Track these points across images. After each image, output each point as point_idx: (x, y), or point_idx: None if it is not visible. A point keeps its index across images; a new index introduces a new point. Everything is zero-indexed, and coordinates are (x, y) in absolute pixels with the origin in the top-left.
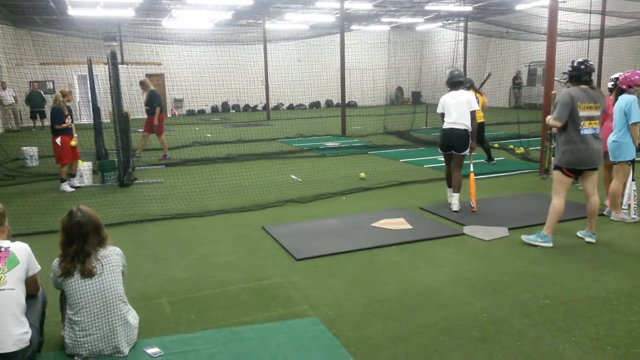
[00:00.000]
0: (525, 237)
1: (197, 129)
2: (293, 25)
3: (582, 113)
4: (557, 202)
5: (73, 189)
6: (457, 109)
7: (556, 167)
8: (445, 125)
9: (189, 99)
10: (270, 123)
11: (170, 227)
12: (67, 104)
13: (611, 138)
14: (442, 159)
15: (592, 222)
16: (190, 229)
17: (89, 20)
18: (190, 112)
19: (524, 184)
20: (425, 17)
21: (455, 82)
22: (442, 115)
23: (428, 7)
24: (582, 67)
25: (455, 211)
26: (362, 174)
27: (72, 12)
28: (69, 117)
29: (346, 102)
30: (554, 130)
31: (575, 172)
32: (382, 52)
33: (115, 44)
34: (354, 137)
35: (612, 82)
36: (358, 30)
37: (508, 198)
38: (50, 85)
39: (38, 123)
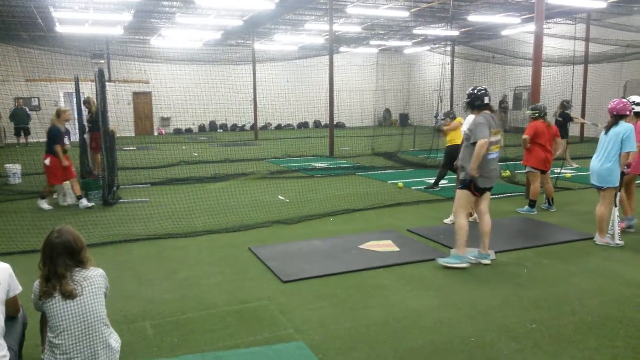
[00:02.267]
0: (440, 260)
1: (184, 147)
2: (282, 46)
3: (492, 138)
4: (464, 221)
5: (51, 207)
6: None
7: (464, 187)
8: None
9: (176, 117)
10: (258, 143)
11: (155, 247)
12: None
13: (604, 163)
14: (430, 181)
15: (486, 241)
16: (176, 249)
17: (76, 38)
18: (177, 131)
19: (509, 207)
20: (413, 41)
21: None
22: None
23: (416, 31)
24: (480, 93)
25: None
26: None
27: (59, 29)
28: (67, 137)
29: (334, 123)
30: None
31: (479, 191)
32: (370, 74)
33: (102, 61)
34: (342, 158)
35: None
36: (346, 52)
37: (495, 221)
38: (35, 102)
39: (22, 140)
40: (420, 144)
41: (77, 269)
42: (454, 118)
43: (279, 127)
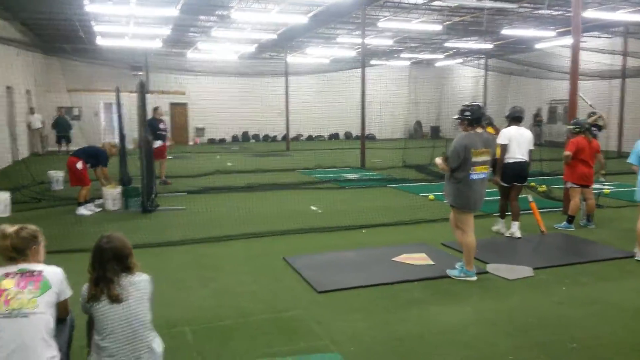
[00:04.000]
0: (449, 272)
1: (218, 157)
2: (314, 59)
3: (474, 159)
4: (470, 239)
5: (92, 213)
6: (522, 145)
7: (459, 209)
8: (512, 159)
9: (210, 128)
10: (290, 154)
11: (191, 254)
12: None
13: None
14: None
15: (469, 258)
16: (212, 256)
17: (116, 50)
18: (212, 141)
19: (546, 222)
20: (445, 54)
21: (518, 117)
22: (504, 146)
23: (448, 44)
24: (476, 109)
25: (518, 237)
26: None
27: (100, 41)
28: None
29: (365, 134)
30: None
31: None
32: (401, 87)
33: (141, 73)
34: (374, 169)
35: None
36: (378, 65)
37: (532, 237)
38: (76, 112)
39: (63, 147)
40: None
41: (124, 274)
42: (489, 124)
43: (310, 138)
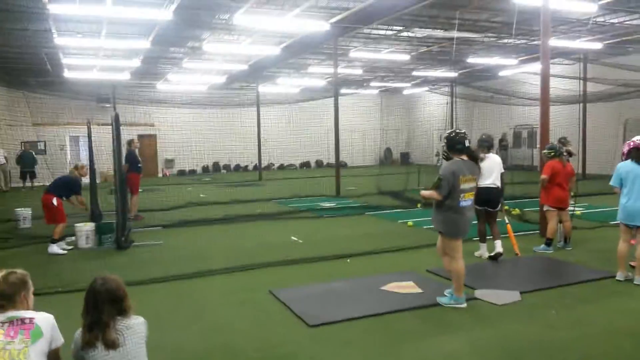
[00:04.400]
0: (439, 300)
1: (189, 189)
2: (285, 89)
3: (462, 186)
4: (459, 266)
5: (65, 252)
6: (494, 170)
7: (450, 237)
8: (481, 185)
9: (180, 159)
10: (263, 183)
11: (174, 291)
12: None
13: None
14: None
15: (459, 285)
16: (195, 293)
17: (83, 82)
18: (182, 172)
19: (524, 245)
20: (413, 82)
21: (488, 146)
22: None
23: (416, 73)
24: (457, 136)
25: (500, 253)
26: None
27: (68, 74)
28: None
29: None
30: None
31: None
32: (371, 114)
33: (108, 105)
34: (350, 197)
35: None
36: (348, 93)
37: (514, 260)
38: (41, 146)
39: (28, 183)
40: (425, 182)
41: (119, 317)
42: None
43: (281, 167)
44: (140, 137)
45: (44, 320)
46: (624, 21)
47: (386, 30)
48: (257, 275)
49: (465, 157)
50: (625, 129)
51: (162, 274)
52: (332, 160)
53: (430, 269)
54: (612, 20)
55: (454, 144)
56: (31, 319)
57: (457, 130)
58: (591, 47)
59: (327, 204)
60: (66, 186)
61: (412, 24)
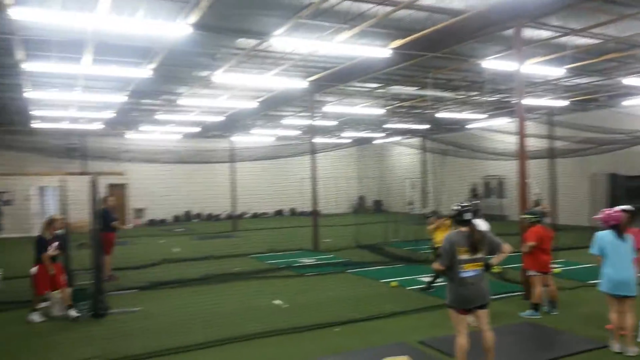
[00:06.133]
0: None
1: (161, 242)
2: (259, 138)
3: (461, 257)
4: (460, 342)
5: (41, 320)
6: None
7: (448, 307)
8: None
9: (150, 208)
10: (237, 234)
11: None
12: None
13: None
14: (425, 279)
15: (489, 357)
16: None
17: (52, 132)
18: (152, 222)
19: (509, 309)
20: (385, 133)
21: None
22: None
23: (387, 125)
24: (461, 209)
25: None
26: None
27: (36, 124)
28: (58, 244)
29: (310, 209)
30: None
31: (466, 310)
32: (343, 163)
33: (77, 153)
34: (328, 251)
35: None
36: (321, 142)
37: (502, 327)
38: (7, 197)
39: None
40: (403, 234)
41: None
42: (439, 218)
43: (255, 215)
44: (111, 186)
45: None
46: (591, 82)
47: (360, 88)
48: (243, 349)
49: (465, 229)
50: (590, 182)
51: (142, 349)
52: (306, 209)
53: (423, 340)
54: (576, 81)
55: (456, 217)
56: None
57: (463, 204)
58: (557, 104)
59: (306, 260)
60: (37, 248)
61: (387, 82)
